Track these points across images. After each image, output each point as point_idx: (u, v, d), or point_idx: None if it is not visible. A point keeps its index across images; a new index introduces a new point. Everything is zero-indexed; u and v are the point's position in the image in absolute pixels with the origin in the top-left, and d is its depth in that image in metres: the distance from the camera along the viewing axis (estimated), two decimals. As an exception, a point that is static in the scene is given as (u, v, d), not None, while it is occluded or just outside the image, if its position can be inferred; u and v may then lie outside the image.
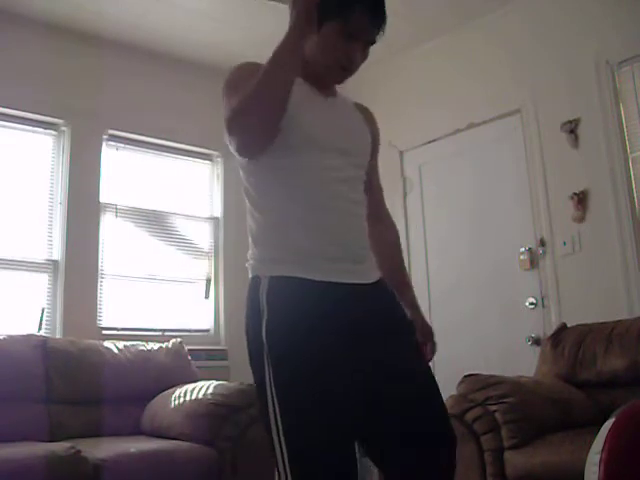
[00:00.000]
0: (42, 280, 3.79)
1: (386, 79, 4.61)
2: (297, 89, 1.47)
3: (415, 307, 1.68)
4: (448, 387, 3.03)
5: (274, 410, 1.37)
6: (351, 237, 1.51)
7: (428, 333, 1.67)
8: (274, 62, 1.45)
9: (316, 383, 1.35)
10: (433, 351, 1.69)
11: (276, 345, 1.39)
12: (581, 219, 3.46)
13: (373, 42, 1.60)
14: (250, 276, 1.51)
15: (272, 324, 1.40)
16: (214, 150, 4.57)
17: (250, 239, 1.55)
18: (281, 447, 1.35)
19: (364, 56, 1.61)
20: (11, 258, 3.69)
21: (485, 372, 2.87)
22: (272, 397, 1.37)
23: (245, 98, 1.40)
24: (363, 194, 1.61)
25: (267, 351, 1.39)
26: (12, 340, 3.20)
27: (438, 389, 1.60)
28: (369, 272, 1.54)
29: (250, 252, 1.54)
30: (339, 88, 1.70)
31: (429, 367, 1.62)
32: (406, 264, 1.83)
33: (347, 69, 1.59)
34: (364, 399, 1.42)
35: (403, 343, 1.53)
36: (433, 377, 1.60)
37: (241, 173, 1.61)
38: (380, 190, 1.76)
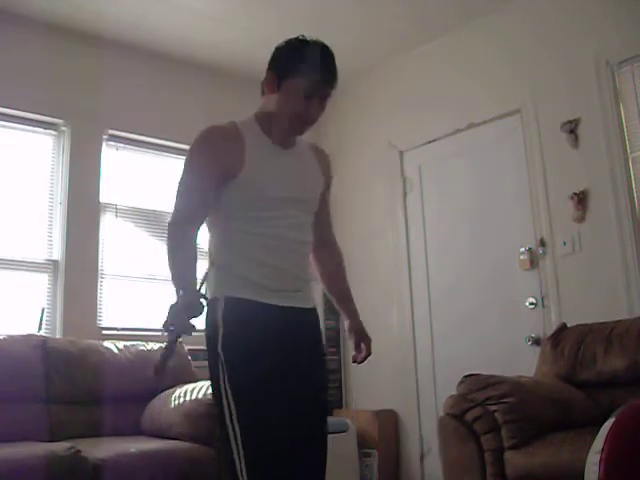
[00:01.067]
0: (42, 280, 3.79)
1: (386, 79, 4.61)
2: (259, 145, 1.78)
3: (354, 316, 2.05)
4: (448, 387, 3.03)
5: (229, 410, 1.64)
6: (293, 273, 1.78)
7: (365, 336, 2.08)
8: (174, 272, 1.79)
9: (264, 386, 1.63)
10: (368, 349, 2.08)
11: (229, 356, 1.66)
12: (581, 219, 3.45)
13: (328, 96, 1.81)
14: (209, 297, 1.75)
15: (226, 338, 1.68)
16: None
17: (210, 265, 1.82)
18: (236, 440, 1.62)
19: (322, 108, 1.81)
20: (11, 258, 3.69)
21: (485, 372, 2.87)
22: (227, 400, 1.64)
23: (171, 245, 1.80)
24: (310, 233, 1.87)
25: (222, 360, 1.66)
26: (12, 340, 3.20)
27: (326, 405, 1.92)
28: (306, 300, 1.82)
29: (211, 277, 1.80)
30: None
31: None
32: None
33: (307, 122, 1.80)
34: (302, 402, 1.70)
35: (318, 359, 1.87)
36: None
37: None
38: (329, 220, 2.05)
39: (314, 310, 1.87)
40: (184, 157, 1.87)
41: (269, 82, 1.80)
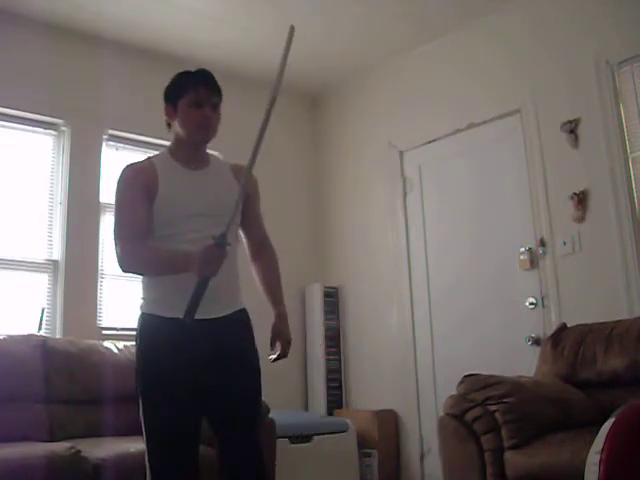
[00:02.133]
0: (42, 280, 3.79)
1: (386, 79, 4.61)
2: (169, 170, 2.07)
3: (280, 317, 2.13)
4: (448, 387, 3.03)
5: (140, 408, 1.97)
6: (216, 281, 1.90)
7: (281, 335, 2.10)
8: (163, 266, 1.98)
9: (160, 391, 1.94)
10: (283, 350, 2.10)
11: (139, 364, 2.00)
12: (581, 219, 3.46)
13: (217, 104, 2.13)
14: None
15: (139, 349, 2.01)
16: (214, 150, 4.52)
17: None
18: (144, 431, 1.95)
19: (216, 115, 2.12)
20: (11, 258, 3.69)
21: (485, 372, 2.87)
22: (138, 399, 1.98)
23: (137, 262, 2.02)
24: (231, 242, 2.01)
25: (136, 367, 2.00)
26: (12, 340, 3.20)
27: (257, 411, 2.09)
28: (216, 309, 1.97)
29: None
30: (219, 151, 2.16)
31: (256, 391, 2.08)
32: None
33: (206, 125, 2.09)
34: (199, 404, 1.97)
35: (236, 368, 2.00)
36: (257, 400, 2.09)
37: None
38: (261, 226, 2.26)
39: (229, 318, 2.02)
40: None
41: (168, 113, 2.16)
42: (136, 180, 2.03)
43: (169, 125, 2.18)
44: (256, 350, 2.08)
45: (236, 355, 2.01)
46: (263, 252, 2.23)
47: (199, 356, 1.94)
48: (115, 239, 1.99)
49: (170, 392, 1.92)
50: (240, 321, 2.07)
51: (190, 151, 2.12)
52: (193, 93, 2.08)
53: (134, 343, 2.03)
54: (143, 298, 2.07)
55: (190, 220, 1.98)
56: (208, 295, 1.84)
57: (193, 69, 2.17)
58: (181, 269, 1.88)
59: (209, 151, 2.22)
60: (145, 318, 2.02)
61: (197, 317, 1.84)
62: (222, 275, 1.88)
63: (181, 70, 2.23)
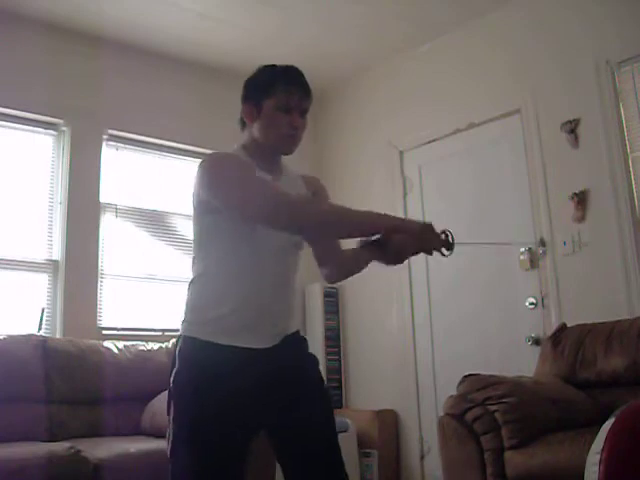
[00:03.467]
0: (42, 280, 3.79)
1: (386, 79, 4.61)
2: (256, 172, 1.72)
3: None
4: (448, 387, 3.03)
5: (170, 438, 1.67)
6: (264, 308, 1.72)
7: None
8: (364, 219, 1.71)
9: (199, 431, 1.61)
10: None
11: (176, 392, 1.67)
12: (581, 219, 3.45)
13: (306, 110, 1.82)
14: None
15: (177, 375, 1.68)
16: (214, 150, 4.55)
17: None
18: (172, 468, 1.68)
19: (303, 124, 1.82)
20: (11, 258, 3.69)
21: (485, 372, 2.87)
22: (170, 429, 1.67)
23: (326, 211, 1.73)
24: (295, 263, 1.84)
25: (171, 393, 1.68)
26: (12, 340, 3.21)
27: (335, 439, 1.83)
28: (273, 337, 1.72)
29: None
30: (290, 161, 1.91)
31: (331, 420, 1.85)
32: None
33: (293, 135, 1.79)
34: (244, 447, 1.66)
35: (304, 398, 1.74)
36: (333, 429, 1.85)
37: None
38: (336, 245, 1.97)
39: (286, 342, 1.75)
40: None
41: (247, 114, 1.83)
42: (247, 163, 1.76)
43: (244, 125, 1.88)
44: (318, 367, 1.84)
45: (305, 379, 1.77)
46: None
47: (264, 392, 1.67)
48: (263, 200, 1.63)
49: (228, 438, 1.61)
50: (298, 341, 1.83)
51: (268, 157, 1.83)
52: (284, 95, 1.76)
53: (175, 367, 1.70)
54: (191, 321, 1.73)
55: (266, 230, 1.69)
56: (269, 320, 1.70)
57: (278, 64, 1.85)
58: (390, 223, 1.68)
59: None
60: (197, 345, 1.67)
61: (256, 346, 1.66)
62: (287, 298, 1.78)
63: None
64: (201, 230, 1.76)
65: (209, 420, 1.60)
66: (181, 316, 1.75)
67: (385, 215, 1.70)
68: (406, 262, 1.88)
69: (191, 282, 1.76)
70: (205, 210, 1.72)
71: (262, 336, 1.70)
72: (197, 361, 1.66)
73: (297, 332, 1.83)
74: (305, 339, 1.86)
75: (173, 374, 1.69)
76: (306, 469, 1.72)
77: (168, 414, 1.68)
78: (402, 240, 1.72)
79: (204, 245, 1.76)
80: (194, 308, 1.73)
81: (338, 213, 1.71)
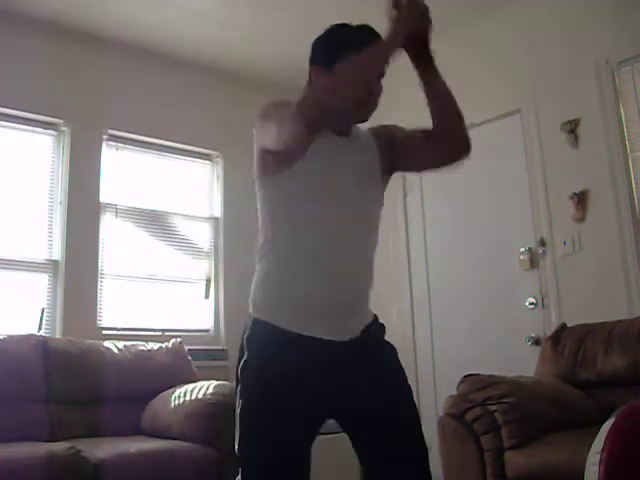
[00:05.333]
0: (42, 280, 3.79)
1: (386, 79, 4.60)
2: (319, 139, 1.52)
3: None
4: (448, 387, 3.03)
5: (235, 434, 1.52)
6: (343, 288, 1.55)
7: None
8: (370, 58, 1.56)
9: (267, 430, 1.46)
10: None
11: (243, 384, 1.52)
12: (581, 219, 3.45)
13: (383, 74, 1.67)
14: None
15: (245, 364, 1.52)
16: (214, 150, 4.57)
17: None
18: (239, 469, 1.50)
19: (380, 89, 1.68)
20: (11, 258, 3.69)
21: (485, 372, 2.87)
22: (236, 424, 1.52)
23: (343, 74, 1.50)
24: (372, 228, 1.64)
25: (238, 386, 1.53)
26: (12, 340, 3.20)
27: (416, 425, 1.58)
28: (352, 327, 1.56)
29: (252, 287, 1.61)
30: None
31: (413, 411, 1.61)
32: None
33: (370, 103, 1.67)
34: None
35: (384, 393, 1.55)
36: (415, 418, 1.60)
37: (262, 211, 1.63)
38: (421, 130, 1.81)
39: (365, 335, 1.57)
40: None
41: (317, 76, 1.68)
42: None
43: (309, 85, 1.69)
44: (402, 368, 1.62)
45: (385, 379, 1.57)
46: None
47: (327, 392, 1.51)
48: (286, 116, 1.49)
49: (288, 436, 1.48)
50: (377, 331, 1.64)
51: (339, 122, 1.65)
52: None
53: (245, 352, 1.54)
54: (257, 301, 1.57)
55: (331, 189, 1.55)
56: (340, 308, 1.52)
57: (355, 25, 1.71)
58: (384, 48, 1.55)
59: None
60: (266, 328, 1.52)
61: (328, 338, 1.49)
62: (360, 282, 1.62)
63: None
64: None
65: (275, 416, 1.46)
66: (250, 295, 1.59)
67: (372, 49, 1.58)
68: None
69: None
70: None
71: (339, 326, 1.52)
72: (267, 352, 1.50)
73: (375, 319, 1.65)
74: (383, 326, 1.66)
75: (241, 363, 1.53)
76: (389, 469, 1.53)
77: (234, 409, 1.54)
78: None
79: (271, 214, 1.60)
80: (263, 285, 1.56)
81: (338, 78, 1.53)
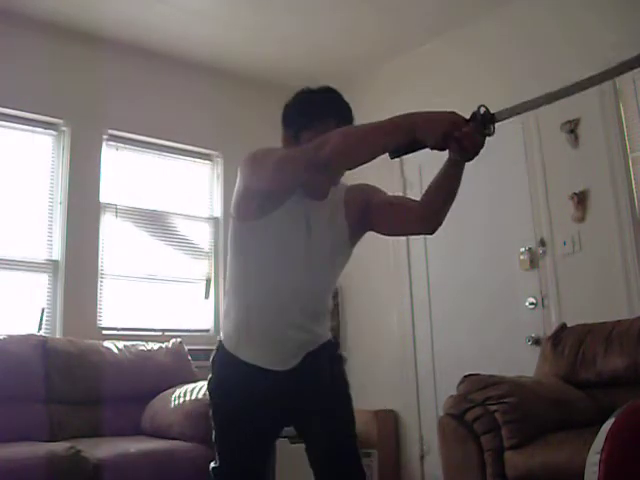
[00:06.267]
0: (42, 280, 3.79)
1: (386, 79, 4.61)
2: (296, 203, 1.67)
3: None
4: (448, 387, 3.03)
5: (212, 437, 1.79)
6: (292, 337, 1.71)
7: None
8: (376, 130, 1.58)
9: (228, 431, 1.75)
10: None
11: (210, 397, 1.79)
12: (581, 219, 3.45)
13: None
14: None
15: (210, 381, 1.79)
16: (214, 150, 4.57)
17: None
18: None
19: None
20: (11, 258, 3.69)
21: (485, 372, 2.87)
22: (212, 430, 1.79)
23: (344, 138, 1.54)
24: (331, 283, 1.82)
25: (208, 399, 1.81)
26: (12, 340, 3.21)
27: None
28: (294, 359, 1.72)
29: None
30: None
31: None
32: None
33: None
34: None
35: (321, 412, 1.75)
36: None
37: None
38: (398, 198, 1.97)
39: (306, 360, 1.74)
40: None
41: (286, 141, 1.72)
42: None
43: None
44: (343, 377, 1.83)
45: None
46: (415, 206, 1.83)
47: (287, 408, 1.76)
48: (288, 159, 1.57)
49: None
50: (324, 357, 1.79)
51: (321, 180, 1.71)
52: (323, 131, 1.57)
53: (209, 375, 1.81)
54: (223, 329, 1.79)
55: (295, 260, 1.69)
56: (291, 345, 1.71)
57: (316, 87, 1.74)
58: (400, 125, 1.54)
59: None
60: (226, 355, 1.75)
61: (283, 369, 1.70)
62: (311, 332, 1.74)
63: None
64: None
65: (229, 425, 1.74)
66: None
67: (404, 115, 1.54)
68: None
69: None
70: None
71: (281, 360, 1.72)
72: (221, 373, 1.77)
73: (323, 344, 1.79)
74: (331, 344, 1.82)
75: (208, 379, 1.80)
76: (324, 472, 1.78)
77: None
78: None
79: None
80: (226, 317, 1.80)
81: (354, 133, 1.59)
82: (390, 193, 1.90)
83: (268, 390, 1.70)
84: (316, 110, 1.69)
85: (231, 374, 1.73)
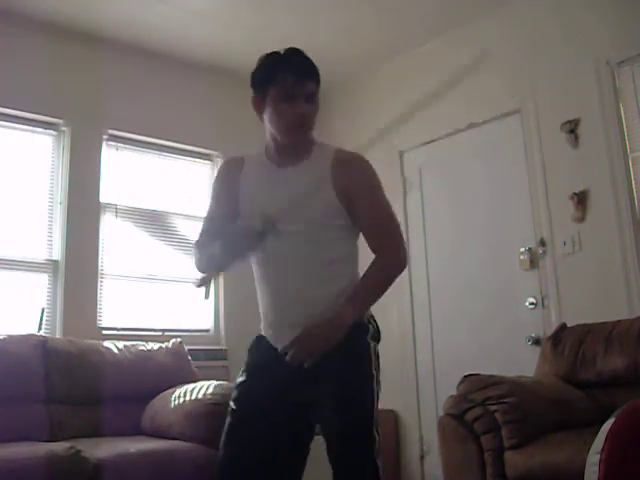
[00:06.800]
0: (42, 280, 3.79)
1: (386, 79, 4.61)
2: (253, 171, 1.84)
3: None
4: (448, 387, 3.03)
5: None
6: (289, 307, 1.77)
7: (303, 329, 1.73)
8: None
9: (244, 412, 1.78)
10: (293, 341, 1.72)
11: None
12: (581, 219, 3.46)
13: (311, 94, 1.74)
14: None
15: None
16: (214, 150, 4.57)
17: None
18: None
19: (312, 107, 1.75)
20: (11, 258, 3.69)
21: (485, 372, 2.87)
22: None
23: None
24: (322, 252, 1.78)
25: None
26: (12, 340, 3.20)
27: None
28: (287, 335, 1.73)
29: None
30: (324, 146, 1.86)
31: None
32: (359, 271, 1.92)
33: (301, 124, 1.74)
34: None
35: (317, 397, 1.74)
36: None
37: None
38: (368, 229, 1.86)
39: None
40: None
41: (255, 104, 1.80)
42: (217, 177, 1.99)
43: (261, 116, 1.81)
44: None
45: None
46: (370, 266, 1.85)
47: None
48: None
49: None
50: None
51: (279, 149, 1.81)
52: (282, 83, 1.70)
53: None
54: None
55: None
56: (287, 321, 1.76)
57: (282, 50, 1.80)
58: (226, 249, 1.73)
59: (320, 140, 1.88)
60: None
61: (277, 346, 1.77)
62: (294, 288, 1.75)
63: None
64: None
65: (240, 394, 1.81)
66: None
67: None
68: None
69: None
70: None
71: (281, 340, 1.75)
72: (251, 345, 1.88)
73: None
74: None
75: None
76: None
77: None
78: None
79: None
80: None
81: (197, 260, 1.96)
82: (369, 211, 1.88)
83: (276, 369, 1.78)
84: (273, 67, 1.76)
85: (254, 349, 1.90)
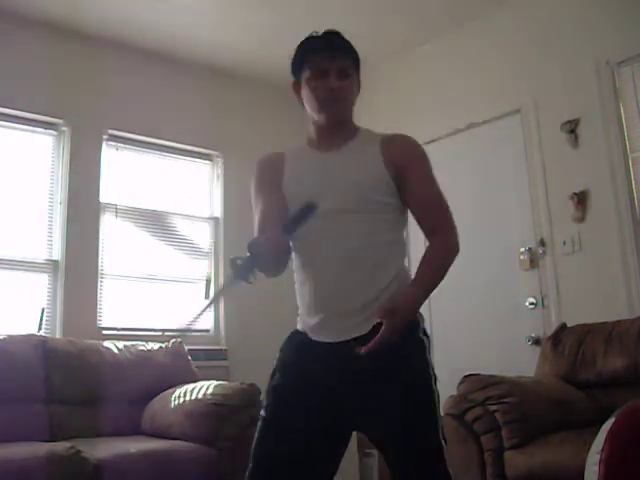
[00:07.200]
0: (42, 280, 3.79)
1: (386, 79, 4.61)
2: (298, 154, 1.78)
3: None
4: (448, 387, 3.03)
5: None
6: (336, 294, 1.67)
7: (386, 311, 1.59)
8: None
9: (275, 414, 1.66)
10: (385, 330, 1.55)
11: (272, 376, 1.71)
12: (581, 219, 3.45)
13: (343, 69, 1.69)
14: None
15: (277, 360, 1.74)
16: (214, 150, 4.57)
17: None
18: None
19: (344, 83, 1.70)
20: (11, 258, 3.69)
21: (485, 372, 2.87)
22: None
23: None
24: (369, 234, 1.72)
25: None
26: (12, 340, 3.20)
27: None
28: (340, 329, 1.64)
29: None
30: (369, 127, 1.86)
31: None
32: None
33: (333, 99, 1.69)
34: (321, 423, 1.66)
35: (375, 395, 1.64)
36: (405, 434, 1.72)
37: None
38: (424, 208, 1.89)
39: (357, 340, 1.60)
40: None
41: (295, 90, 1.77)
42: (259, 172, 1.81)
43: (301, 101, 1.77)
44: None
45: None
46: (427, 248, 1.80)
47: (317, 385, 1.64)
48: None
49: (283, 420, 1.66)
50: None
51: (320, 132, 1.76)
52: (310, 62, 1.68)
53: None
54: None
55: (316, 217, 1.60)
56: (334, 311, 1.65)
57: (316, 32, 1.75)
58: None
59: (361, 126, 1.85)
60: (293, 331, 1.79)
61: (322, 339, 1.65)
62: (348, 280, 1.64)
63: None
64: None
65: (275, 393, 1.68)
66: None
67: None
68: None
69: None
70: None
71: (329, 330, 1.65)
72: (283, 343, 1.76)
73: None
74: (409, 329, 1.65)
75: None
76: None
77: None
78: None
79: None
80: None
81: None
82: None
83: (320, 364, 1.69)
84: (303, 48, 1.73)
85: (291, 346, 1.78)
